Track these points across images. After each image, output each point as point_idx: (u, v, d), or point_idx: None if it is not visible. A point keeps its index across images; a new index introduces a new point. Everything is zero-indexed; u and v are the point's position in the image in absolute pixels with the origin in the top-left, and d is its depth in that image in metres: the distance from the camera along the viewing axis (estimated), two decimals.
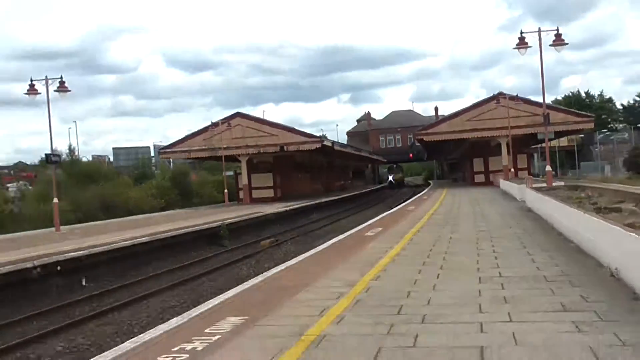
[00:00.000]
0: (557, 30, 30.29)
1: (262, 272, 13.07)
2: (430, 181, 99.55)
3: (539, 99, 41.39)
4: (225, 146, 50.61)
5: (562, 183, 33.52)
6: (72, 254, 18.60)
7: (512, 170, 48.60)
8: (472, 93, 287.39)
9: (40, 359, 11.11)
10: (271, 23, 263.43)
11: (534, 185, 28.13)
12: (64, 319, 14.12)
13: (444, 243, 14.81)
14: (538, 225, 17.85)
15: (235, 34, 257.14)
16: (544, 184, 30.33)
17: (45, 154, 33.00)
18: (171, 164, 74.50)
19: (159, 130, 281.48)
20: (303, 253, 15.95)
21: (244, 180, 54.28)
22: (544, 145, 40.12)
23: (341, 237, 18.65)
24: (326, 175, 75.23)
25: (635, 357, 5.31)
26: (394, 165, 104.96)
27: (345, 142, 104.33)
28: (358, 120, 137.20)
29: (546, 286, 8.69)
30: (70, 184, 50.03)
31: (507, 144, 50.05)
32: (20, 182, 73.71)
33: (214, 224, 28.99)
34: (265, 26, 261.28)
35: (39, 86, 29.17)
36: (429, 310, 7.61)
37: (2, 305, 15.17)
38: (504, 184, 41.57)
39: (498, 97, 52.89)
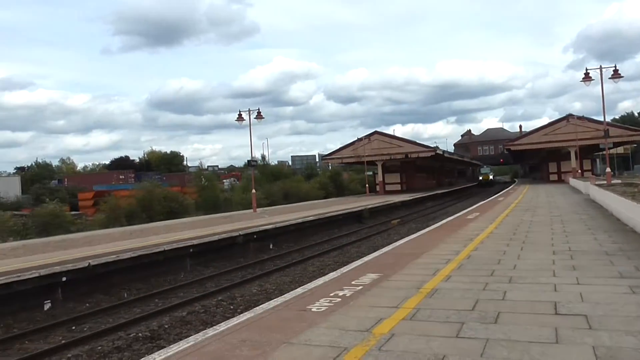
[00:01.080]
0: (615, 66, 28.50)
1: (391, 243, 12.92)
2: (515, 179, 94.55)
3: (600, 118, 38.63)
4: (366, 154, 50.76)
5: (619, 181, 30.91)
6: (263, 227, 19.27)
7: (579, 171, 45.73)
8: (547, 114, 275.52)
9: (243, 296, 11.50)
10: (398, 69, 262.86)
11: (596, 183, 26.13)
12: (257, 271, 14.60)
13: (526, 224, 14.04)
14: (599, 212, 16.55)
15: (373, 77, 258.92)
16: (605, 182, 28.14)
17: (248, 160, 34.39)
18: (329, 166, 75.60)
19: (321, 143, 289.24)
20: (421, 230, 15.68)
21: (379, 177, 54.32)
22: (604, 152, 37.44)
23: (449, 219, 18.16)
24: (438, 174, 73.51)
25: None
26: (483, 166, 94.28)
27: (452, 151, 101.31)
28: (462, 135, 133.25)
29: (606, 258, 8.05)
30: (263, 180, 51.59)
31: (576, 152, 47.20)
32: (231, 179, 77.39)
33: (359, 208, 29.11)
34: (394, 71, 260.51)
35: (244, 115, 30.51)
36: (515, 273, 7.23)
37: (220, 259, 16.00)
38: (573, 182, 39.05)
39: (568, 117, 50.04)
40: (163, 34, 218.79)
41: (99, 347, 8.24)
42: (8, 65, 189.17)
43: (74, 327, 9.57)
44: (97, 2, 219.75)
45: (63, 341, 8.63)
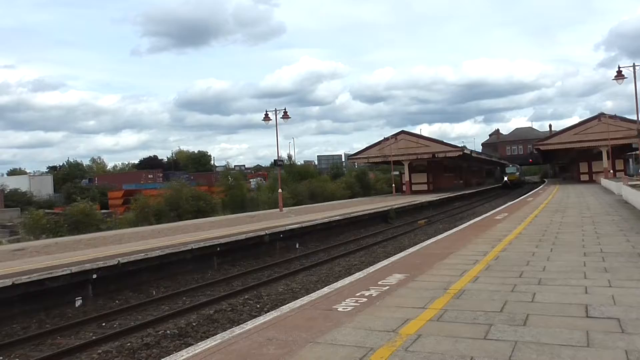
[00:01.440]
0: None
1: (418, 243, 12.84)
2: (545, 179, 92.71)
3: (633, 117, 37.71)
4: (393, 154, 50.50)
5: None
6: (290, 226, 19.33)
7: (611, 171, 44.68)
8: (578, 114, 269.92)
9: (270, 295, 11.56)
10: (424, 68, 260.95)
11: (629, 183, 25.51)
12: (283, 270, 14.63)
13: (556, 225, 13.79)
14: (632, 213, 16.15)
15: (399, 76, 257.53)
16: (638, 182, 27.47)
17: (274, 160, 34.42)
18: (356, 166, 75.50)
19: (347, 143, 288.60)
20: (448, 230, 15.53)
21: (406, 177, 54.00)
22: (638, 152, 36.49)
23: (477, 219, 17.95)
24: (465, 174, 72.72)
25: None
26: (509, 165, 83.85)
27: (480, 151, 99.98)
28: (490, 135, 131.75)
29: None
30: (289, 180, 51.73)
31: (607, 152, 46.11)
32: (258, 178, 77.92)
33: (385, 208, 28.99)
34: (420, 70, 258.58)
35: (271, 115, 30.72)
36: (544, 275, 7.11)
37: (247, 258, 16.10)
38: (604, 182, 38.17)
39: (600, 116, 48.86)
40: (190, 35, 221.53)
41: (128, 344, 8.37)
42: (40, 67, 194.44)
43: (104, 324, 9.76)
44: (126, 4, 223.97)
45: (93, 337, 8.80)
